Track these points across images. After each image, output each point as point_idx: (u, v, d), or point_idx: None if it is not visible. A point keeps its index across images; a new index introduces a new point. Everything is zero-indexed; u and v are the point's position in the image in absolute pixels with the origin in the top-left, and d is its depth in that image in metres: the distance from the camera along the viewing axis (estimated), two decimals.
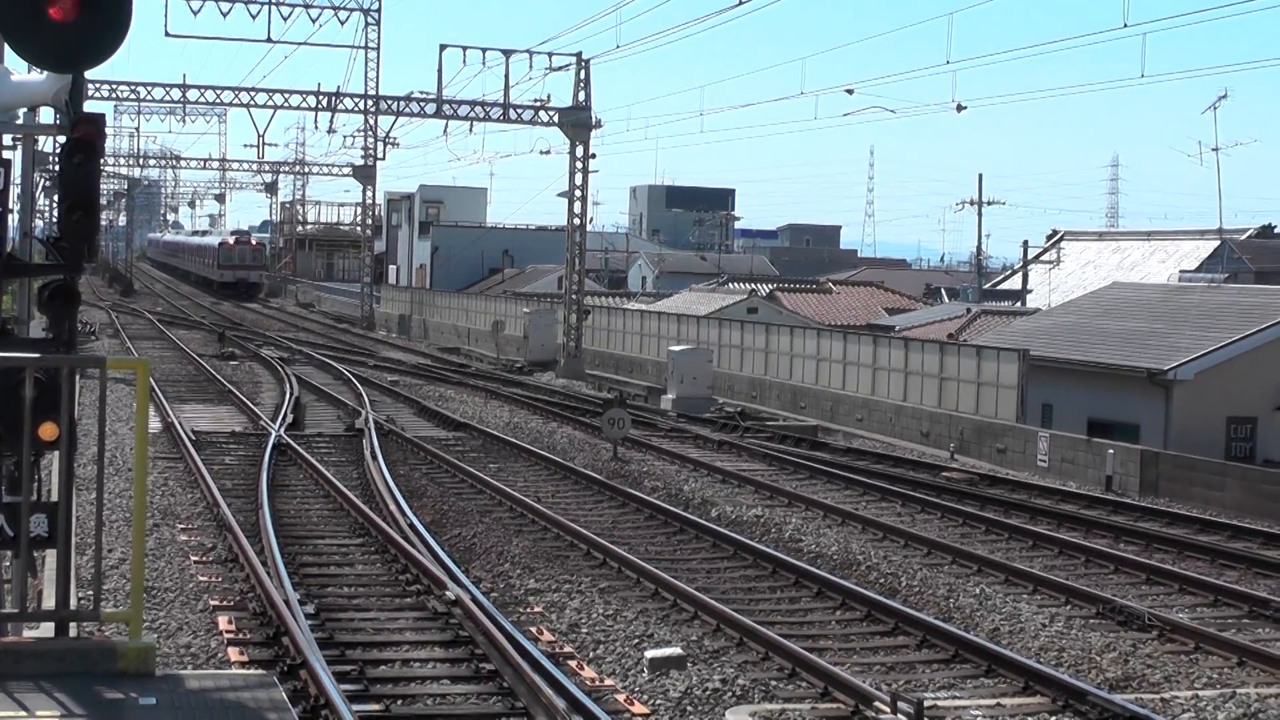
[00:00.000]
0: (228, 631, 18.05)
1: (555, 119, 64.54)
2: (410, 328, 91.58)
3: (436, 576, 20.36)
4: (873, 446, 41.55)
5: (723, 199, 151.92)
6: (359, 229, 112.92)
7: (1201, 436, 39.21)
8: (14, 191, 17.63)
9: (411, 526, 24.50)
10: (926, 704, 15.14)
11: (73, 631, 11.01)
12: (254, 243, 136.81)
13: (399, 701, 15.75)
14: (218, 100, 72.09)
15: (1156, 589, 23.05)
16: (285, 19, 68.78)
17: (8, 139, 15.03)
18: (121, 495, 26.64)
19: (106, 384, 10.77)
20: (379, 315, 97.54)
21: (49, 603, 11.20)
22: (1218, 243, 71.38)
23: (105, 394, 10.92)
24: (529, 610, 19.96)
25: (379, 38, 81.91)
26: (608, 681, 16.61)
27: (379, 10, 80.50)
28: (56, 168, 14.45)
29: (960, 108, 52.89)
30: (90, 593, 11.07)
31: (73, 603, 11.24)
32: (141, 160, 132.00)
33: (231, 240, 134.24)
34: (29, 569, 12.19)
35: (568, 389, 55.67)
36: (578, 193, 64.40)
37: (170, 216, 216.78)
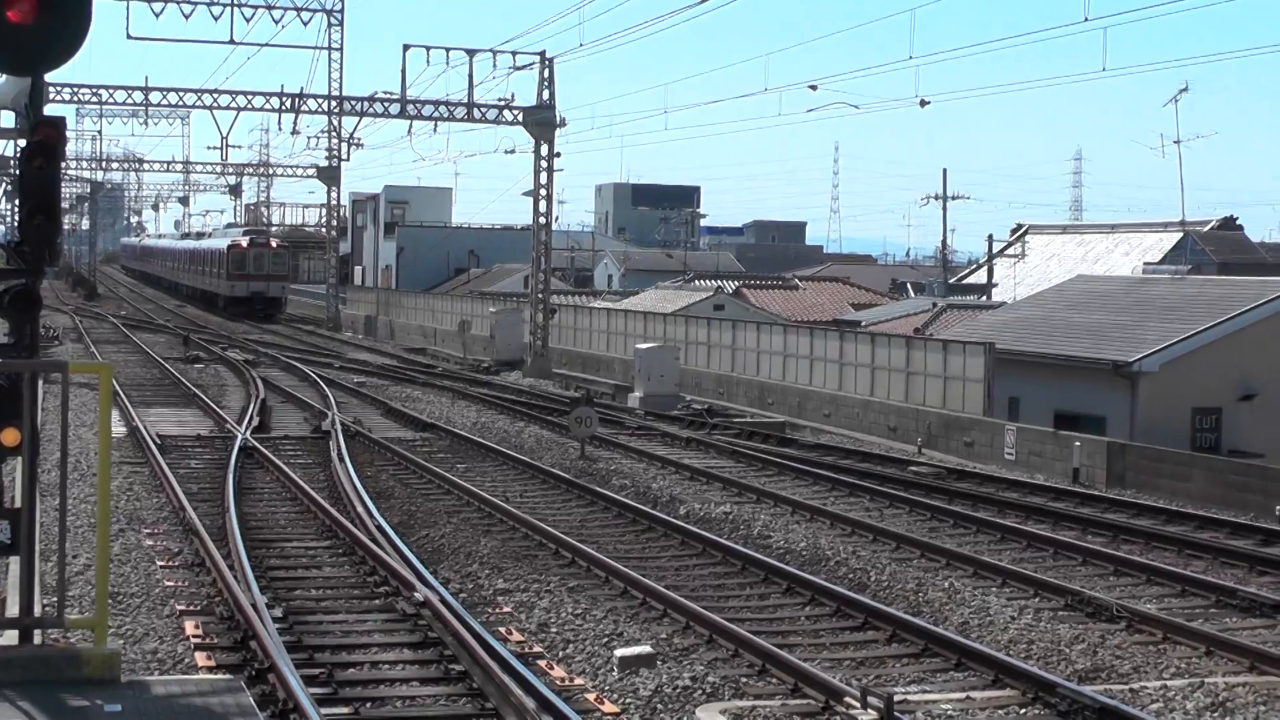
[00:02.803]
0: (194, 636, 17.96)
1: (519, 118, 64.47)
2: (376, 329, 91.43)
3: (405, 578, 20.31)
4: (840, 442, 41.56)
5: (688, 196, 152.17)
6: (324, 230, 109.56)
7: (1167, 428, 39.35)
8: None
9: (379, 528, 24.43)
10: (897, 698, 15.14)
11: (37, 639, 10.95)
12: (273, 245, 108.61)
13: (368, 704, 15.70)
14: (180, 102, 71.91)
15: (1124, 580, 23.09)
16: (248, 20, 68.61)
17: None
18: (85, 501, 26.47)
19: (69, 388, 10.71)
20: (345, 316, 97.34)
21: (12, 610, 11.14)
22: (1181, 235, 71.68)
23: (67, 398, 10.86)
24: (498, 610, 19.92)
25: (342, 38, 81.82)
26: (578, 681, 16.58)
27: (342, 11, 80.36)
28: (17, 171, 14.36)
29: (924, 103, 52.97)
30: (54, 599, 11.00)
31: (37, 610, 11.17)
32: (104, 163, 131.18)
33: (244, 243, 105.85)
34: None
35: (535, 388, 55.61)
36: (543, 192, 64.33)
37: (134, 219, 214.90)
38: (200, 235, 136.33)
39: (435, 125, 68.47)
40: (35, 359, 12.07)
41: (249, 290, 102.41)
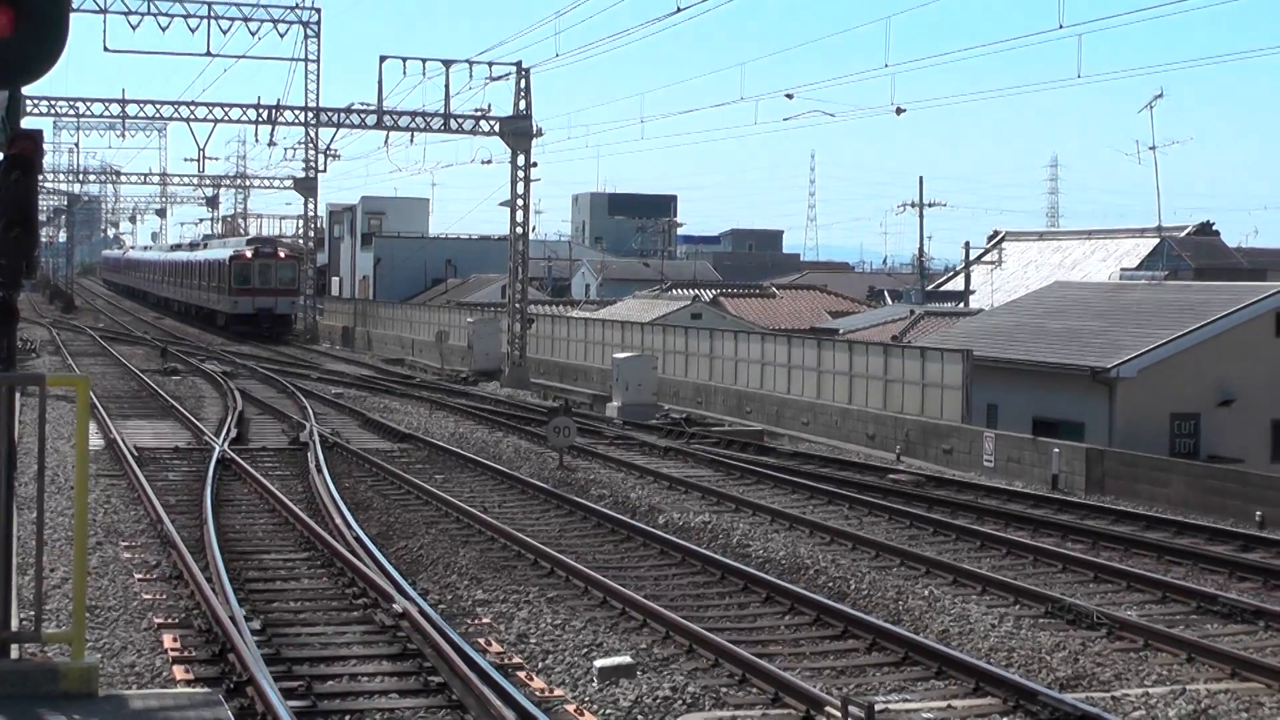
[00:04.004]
0: (172, 649, 17.88)
1: (496, 128, 64.47)
2: (354, 339, 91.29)
3: (383, 589, 20.25)
4: (819, 450, 41.57)
5: (665, 205, 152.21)
6: (301, 241, 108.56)
7: (1145, 433, 39.41)
8: None
9: (358, 539, 24.37)
10: (877, 707, 15.11)
11: (14, 653, 10.89)
12: (282, 255, 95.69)
13: (347, 717, 15.63)
14: (157, 115, 71.70)
15: (1104, 587, 23.10)
16: (224, 32, 68.52)
17: None
18: (63, 514, 26.41)
19: (46, 401, 10.66)
20: (322, 327, 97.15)
21: None
22: (1157, 241, 71.90)
23: (45, 411, 10.81)
24: (477, 621, 19.86)
25: (319, 50, 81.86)
26: (557, 691, 16.53)
27: (318, 23, 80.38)
28: None
29: (900, 110, 53.01)
30: (32, 613, 10.94)
31: (14, 624, 11.10)
32: (81, 176, 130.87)
33: (249, 253, 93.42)
34: None
35: (513, 398, 55.57)
36: (519, 201, 64.33)
37: (111, 231, 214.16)
38: (195, 245, 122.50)
39: (412, 136, 68.39)
40: (12, 372, 12.01)
41: (254, 306, 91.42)
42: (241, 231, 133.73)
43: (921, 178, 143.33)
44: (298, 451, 36.73)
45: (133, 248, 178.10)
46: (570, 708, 15.88)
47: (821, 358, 47.28)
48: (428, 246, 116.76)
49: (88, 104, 70.56)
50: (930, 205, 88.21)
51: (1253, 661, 17.93)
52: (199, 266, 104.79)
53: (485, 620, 19.95)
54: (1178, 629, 20.00)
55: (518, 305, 64.62)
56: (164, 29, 65.97)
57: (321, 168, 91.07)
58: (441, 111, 64.84)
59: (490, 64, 63.71)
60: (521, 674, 17.10)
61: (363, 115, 67.10)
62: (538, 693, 16.30)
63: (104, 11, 65.16)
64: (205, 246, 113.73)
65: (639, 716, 15.77)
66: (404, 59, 63.67)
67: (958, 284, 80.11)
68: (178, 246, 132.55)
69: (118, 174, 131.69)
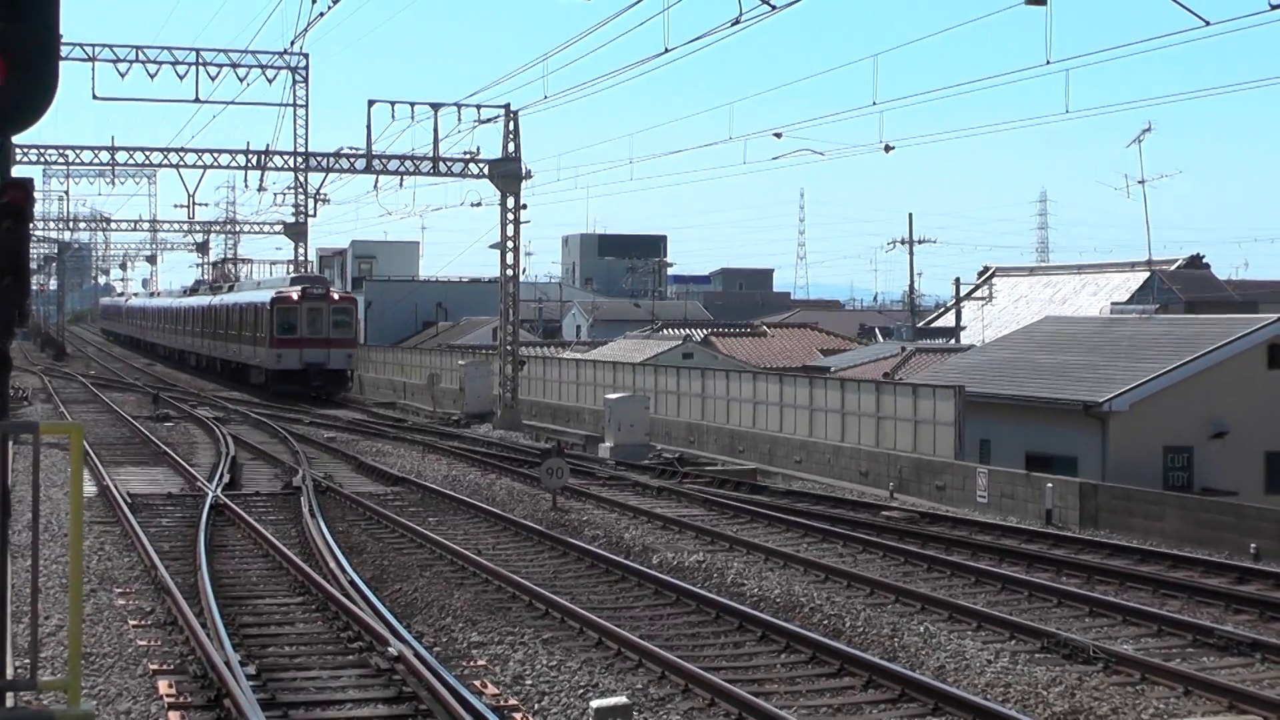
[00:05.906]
0: (168, 696, 17.84)
1: (485, 171, 64.60)
2: None
3: (378, 633, 20.22)
4: (812, 488, 41.55)
5: (655, 246, 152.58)
6: None
7: (1139, 467, 39.43)
8: None
9: (352, 583, 24.32)
10: None
11: (10, 701, 10.86)
12: (336, 296, 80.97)
13: None
14: (147, 161, 71.80)
15: (1100, 621, 23.09)
16: (213, 79, 68.70)
17: None
18: (58, 561, 26.37)
19: (40, 449, 10.65)
20: None
21: None
22: (1147, 274, 72.07)
23: (39, 459, 10.79)
24: (472, 664, 19.82)
25: (307, 95, 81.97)
26: None
27: (306, 68, 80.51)
28: None
29: (888, 148, 53.00)
30: (27, 661, 10.93)
31: (9, 672, 11.07)
32: (71, 224, 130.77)
33: (295, 294, 77.64)
34: None
35: (505, 440, 55.56)
36: (510, 244, 64.42)
37: (102, 279, 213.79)
38: (216, 287, 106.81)
39: (401, 179, 68.56)
40: (5, 420, 12.00)
41: (302, 361, 76.06)
42: (232, 276, 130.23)
43: (911, 215, 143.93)
44: (291, 496, 36.68)
45: (135, 294, 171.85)
46: None
47: (814, 396, 47.31)
48: (418, 290, 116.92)
49: (77, 151, 70.65)
50: (920, 242, 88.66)
51: (1250, 694, 17.92)
52: (227, 313, 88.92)
53: (481, 662, 19.91)
54: (1174, 662, 19.98)
55: (509, 347, 64.65)
56: (152, 76, 66.27)
57: (311, 212, 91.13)
58: (430, 155, 64.99)
59: (479, 107, 63.93)
60: (518, 716, 17.06)
61: (352, 159, 67.24)
62: None
63: (92, 60, 65.44)
64: (231, 289, 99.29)
65: None
66: (392, 103, 63.85)
67: (949, 320, 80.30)
68: (193, 290, 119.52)
69: (108, 221, 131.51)
